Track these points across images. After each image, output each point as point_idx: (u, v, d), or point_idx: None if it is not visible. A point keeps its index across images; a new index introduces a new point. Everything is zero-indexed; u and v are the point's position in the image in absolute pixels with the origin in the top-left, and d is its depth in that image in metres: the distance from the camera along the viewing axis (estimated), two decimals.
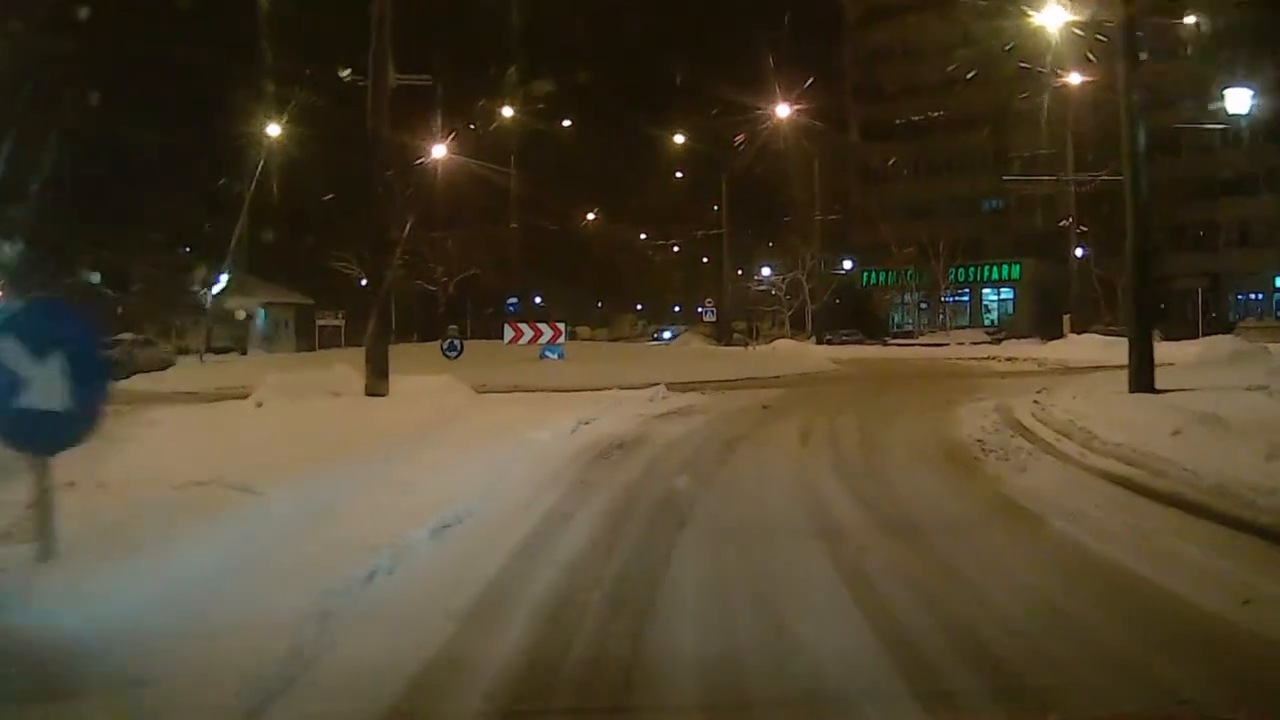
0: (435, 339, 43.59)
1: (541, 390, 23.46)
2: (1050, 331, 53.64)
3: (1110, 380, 20.26)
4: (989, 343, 53.01)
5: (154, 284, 57.98)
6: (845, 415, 17.90)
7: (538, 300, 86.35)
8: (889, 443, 14.22)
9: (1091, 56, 40.09)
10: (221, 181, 51.17)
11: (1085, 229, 46.65)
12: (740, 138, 60.33)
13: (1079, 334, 41.10)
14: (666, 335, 72.31)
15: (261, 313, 64.54)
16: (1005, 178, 47.77)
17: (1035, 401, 17.42)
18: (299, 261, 63.19)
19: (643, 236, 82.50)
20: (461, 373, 28.03)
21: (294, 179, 51.49)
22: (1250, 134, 57.09)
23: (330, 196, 54.73)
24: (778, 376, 30.14)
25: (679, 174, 72.88)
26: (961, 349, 47.73)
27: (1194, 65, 49.86)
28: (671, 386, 23.44)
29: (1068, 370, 30.79)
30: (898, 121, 71.11)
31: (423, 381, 19.48)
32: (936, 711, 4.76)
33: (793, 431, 15.56)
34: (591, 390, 22.95)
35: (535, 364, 30.57)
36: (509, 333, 32.34)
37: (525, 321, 34.03)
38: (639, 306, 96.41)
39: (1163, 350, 37.44)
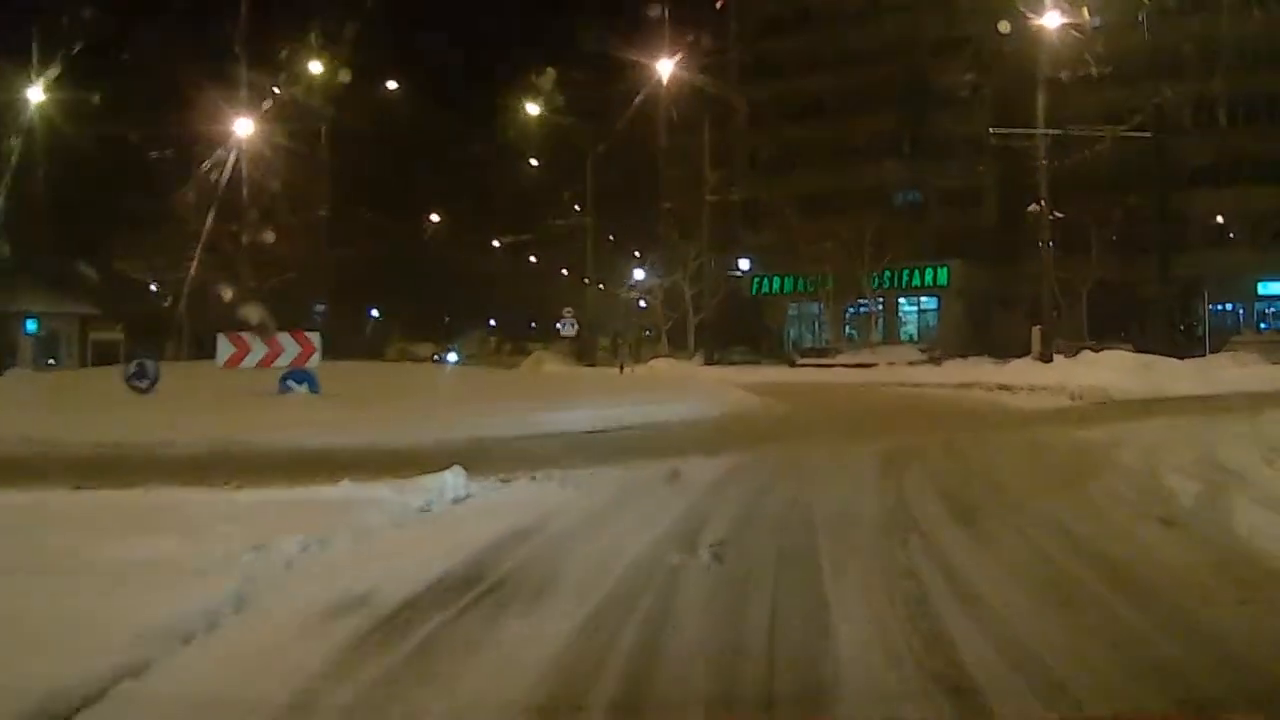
0: None
1: (222, 478, 11.06)
2: (993, 348, 43.07)
3: None
4: (927, 362, 41.69)
5: None
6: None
7: (374, 313, 77.04)
8: None
9: None
10: None
11: (1060, 214, 35.53)
12: (610, 117, 49.47)
13: (1095, 350, 29.63)
14: (451, 358, 59.67)
15: (32, 324, 52.39)
16: (993, 129, 36.14)
17: None
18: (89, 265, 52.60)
19: (496, 244, 70.77)
20: (141, 418, 15.94)
21: (71, 165, 42.71)
22: (1228, 115, 47.16)
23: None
24: (682, 425, 18.02)
25: (535, 162, 61.09)
26: (903, 372, 36.25)
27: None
28: (492, 458, 11.48)
29: (1115, 404, 20.14)
30: (792, 101, 59.90)
31: None
32: None
33: None
34: (312, 479, 10.68)
35: (269, 402, 18.03)
36: (225, 349, 19.56)
37: (258, 331, 21.14)
38: (492, 322, 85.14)
39: (1226, 372, 26.63)
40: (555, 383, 27.12)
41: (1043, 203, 34.67)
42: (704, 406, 20.24)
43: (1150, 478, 10.44)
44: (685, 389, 24.04)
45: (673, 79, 45.49)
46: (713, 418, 19.10)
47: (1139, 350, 34.57)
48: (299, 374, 19.26)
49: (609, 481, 11.01)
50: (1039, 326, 35.55)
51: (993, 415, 19.64)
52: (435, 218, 68.37)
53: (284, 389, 19.13)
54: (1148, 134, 32.28)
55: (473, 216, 67.93)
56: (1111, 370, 25.17)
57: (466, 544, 7.55)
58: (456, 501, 9.73)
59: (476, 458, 12.51)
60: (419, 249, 68.06)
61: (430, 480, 10.07)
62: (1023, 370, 30.90)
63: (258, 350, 19.44)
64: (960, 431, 16.00)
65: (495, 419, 16.84)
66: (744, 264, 57.53)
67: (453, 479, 10.21)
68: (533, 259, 72.92)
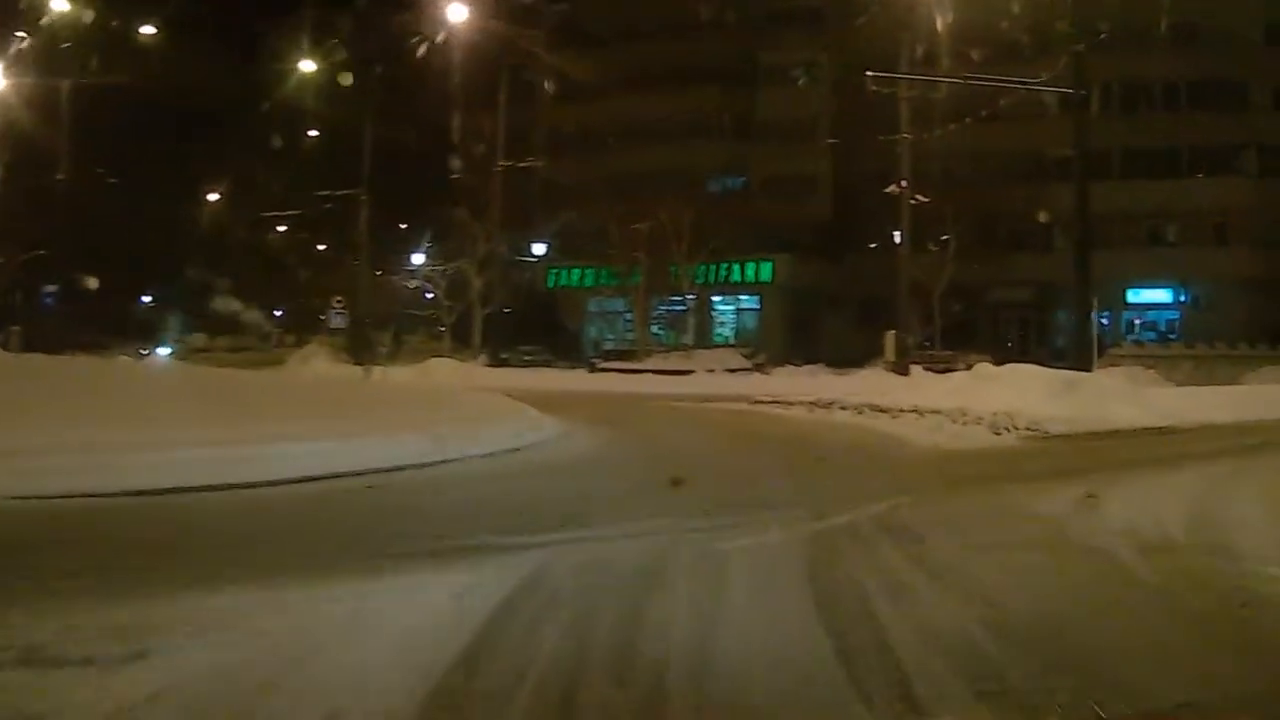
0: None
1: None
2: (821, 354, 37.66)
3: None
4: (752, 371, 35.58)
5: None
6: None
7: (146, 299, 71.13)
8: None
9: None
10: None
11: (923, 199, 29.82)
12: (398, 78, 43.37)
13: (995, 364, 23.05)
14: (163, 351, 53.62)
15: None
16: (869, 73, 29.35)
17: None
18: None
19: (282, 229, 62.94)
20: None
21: None
22: (1101, 101, 42.65)
23: None
24: (420, 481, 10.91)
25: (313, 133, 53.42)
26: (726, 382, 29.92)
27: None
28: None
29: (1062, 439, 15.14)
30: (606, 72, 53.20)
31: None
32: None
33: None
34: None
35: None
36: None
37: None
38: (278, 312, 76.81)
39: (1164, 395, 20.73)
40: (270, 392, 19.36)
41: (904, 184, 28.77)
42: (468, 439, 13.04)
43: None
44: (451, 406, 16.78)
45: (471, 39, 39.15)
46: (476, 462, 12.00)
47: (998, 363, 29.18)
48: None
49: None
50: (894, 332, 29.72)
51: (910, 461, 13.01)
52: (213, 196, 60.19)
53: None
54: (1069, 89, 26.21)
55: (252, 193, 59.19)
56: (1022, 391, 18.95)
57: None
58: None
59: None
60: (191, 227, 60.47)
61: None
62: (881, 385, 24.88)
63: None
64: (898, 494, 9.28)
65: (128, 457, 9.54)
66: (538, 249, 50.43)
67: None
68: (321, 246, 65.06)
